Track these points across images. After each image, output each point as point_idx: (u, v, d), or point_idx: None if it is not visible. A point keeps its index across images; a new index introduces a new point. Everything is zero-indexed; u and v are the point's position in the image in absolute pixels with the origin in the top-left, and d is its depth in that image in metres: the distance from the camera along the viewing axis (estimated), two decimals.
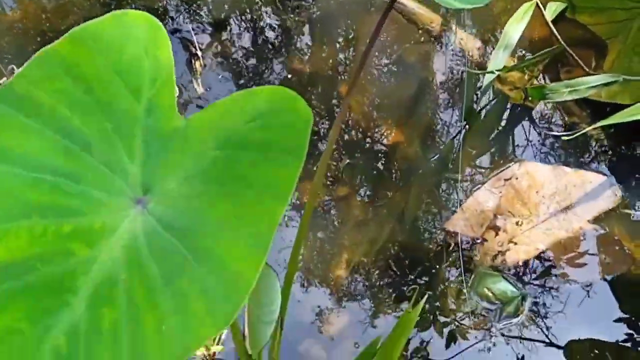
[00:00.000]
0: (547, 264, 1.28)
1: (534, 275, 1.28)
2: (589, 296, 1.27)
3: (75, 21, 1.59)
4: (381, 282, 1.27)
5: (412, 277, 1.26)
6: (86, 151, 0.54)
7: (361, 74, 1.10)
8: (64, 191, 0.52)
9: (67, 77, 0.54)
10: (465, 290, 1.22)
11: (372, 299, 1.25)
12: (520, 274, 1.27)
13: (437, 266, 1.27)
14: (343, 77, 1.53)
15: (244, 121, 0.54)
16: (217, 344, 1.15)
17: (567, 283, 1.27)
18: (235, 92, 0.56)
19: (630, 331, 1.23)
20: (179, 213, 0.54)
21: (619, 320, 1.23)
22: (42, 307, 0.51)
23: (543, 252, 1.28)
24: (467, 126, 1.44)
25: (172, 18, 1.60)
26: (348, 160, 1.39)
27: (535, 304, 1.24)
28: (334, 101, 1.50)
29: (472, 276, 1.24)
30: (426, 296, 0.92)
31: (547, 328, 1.22)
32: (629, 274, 1.28)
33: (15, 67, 1.38)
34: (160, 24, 0.58)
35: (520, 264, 1.27)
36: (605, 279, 1.28)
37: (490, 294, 1.21)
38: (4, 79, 1.40)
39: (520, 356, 1.19)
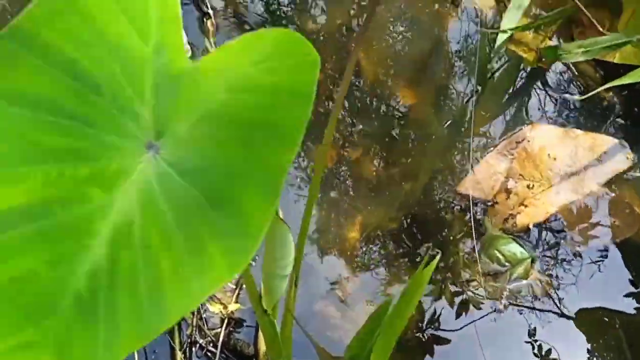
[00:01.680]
0: (557, 227, 1.28)
1: (544, 238, 1.27)
2: (599, 261, 1.27)
3: None
4: (394, 246, 1.27)
5: (424, 239, 1.26)
6: (96, 94, 0.53)
7: (369, 27, 1.08)
8: (78, 135, 0.52)
9: (74, 16, 0.53)
10: (476, 253, 1.22)
11: (385, 262, 1.25)
12: (531, 236, 1.27)
13: (449, 229, 1.27)
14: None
15: (252, 63, 0.54)
16: (235, 302, 1.17)
17: (577, 246, 1.26)
18: (243, 35, 0.55)
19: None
20: (190, 157, 0.53)
21: (629, 285, 1.24)
22: (62, 251, 0.50)
23: (554, 215, 1.28)
24: (479, 88, 1.43)
25: None
26: (360, 126, 1.39)
27: (545, 267, 1.24)
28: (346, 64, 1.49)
29: (483, 238, 1.24)
30: (439, 255, 0.92)
31: (557, 293, 1.22)
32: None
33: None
34: None
35: (531, 226, 1.27)
36: (615, 243, 1.28)
37: (500, 256, 1.21)
38: None
39: (530, 324, 1.19)
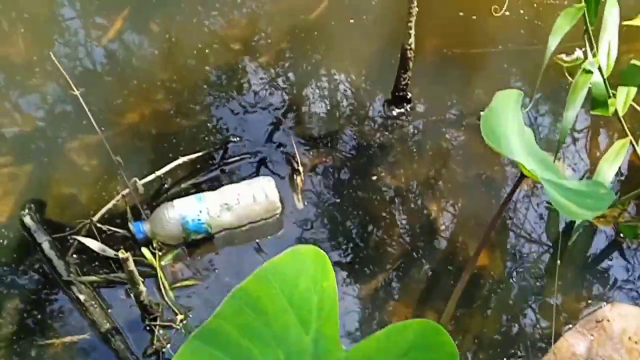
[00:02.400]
0: None
1: None
2: None
3: (191, 124, 1.72)
4: None
5: None
6: None
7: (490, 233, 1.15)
8: None
9: (250, 311, 0.62)
10: None
11: None
12: None
13: None
14: (435, 194, 1.59)
15: (396, 355, 0.61)
16: None
17: None
18: (389, 325, 0.63)
19: None
20: None
21: None
22: None
23: None
24: (558, 262, 1.46)
25: (275, 130, 1.71)
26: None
27: None
28: (423, 219, 1.56)
29: None
30: None
31: None
32: None
33: (137, 180, 1.49)
34: (326, 255, 0.66)
35: None
36: None
37: None
38: (127, 190, 1.51)
39: None
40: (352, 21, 1.94)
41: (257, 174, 1.62)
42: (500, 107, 1.01)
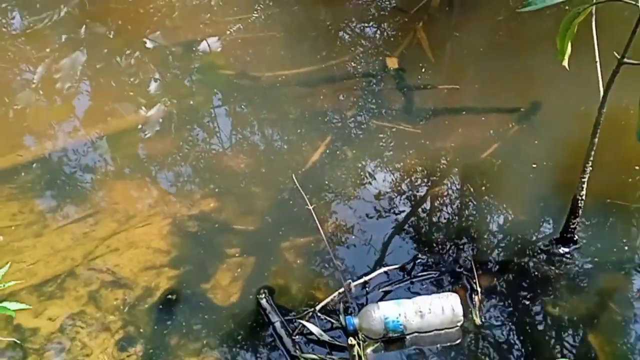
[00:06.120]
0: None
1: None
2: None
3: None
4: None
5: None
6: None
7: None
8: None
9: None
10: None
11: None
12: None
13: None
14: (595, 328, 1.89)
15: None
16: None
17: None
18: None
19: None
20: None
21: None
22: None
23: None
24: None
25: (456, 254, 2.08)
26: None
27: None
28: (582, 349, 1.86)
29: None
30: None
31: None
32: None
33: (352, 282, 1.89)
34: None
35: None
36: None
37: None
38: (342, 289, 1.91)
39: None
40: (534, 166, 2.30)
41: (438, 289, 1.99)
42: None
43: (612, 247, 2.08)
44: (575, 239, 2.06)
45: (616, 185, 2.26)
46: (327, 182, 2.34)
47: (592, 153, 1.88)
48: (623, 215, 2.16)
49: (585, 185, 1.94)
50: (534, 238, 2.13)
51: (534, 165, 2.32)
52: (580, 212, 1.99)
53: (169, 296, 2.00)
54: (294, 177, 1.86)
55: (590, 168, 1.91)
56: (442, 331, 1.89)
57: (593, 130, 1.83)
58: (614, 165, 2.30)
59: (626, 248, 2.07)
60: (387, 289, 2.00)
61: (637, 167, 2.28)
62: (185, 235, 2.18)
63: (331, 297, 1.92)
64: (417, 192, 2.31)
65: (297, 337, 1.89)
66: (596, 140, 1.85)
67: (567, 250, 2.07)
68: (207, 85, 2.86)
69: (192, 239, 2.18)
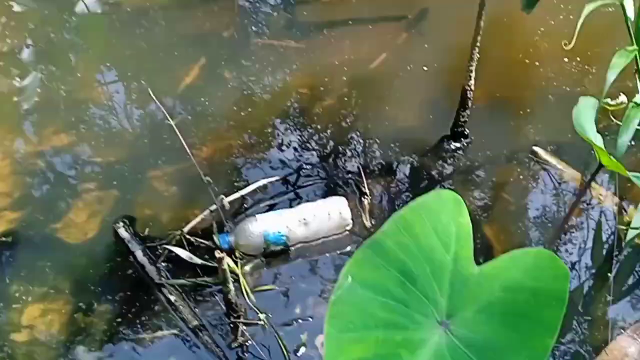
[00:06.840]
0: None
1: None
2: None
3: (267, 155, 1.91)
4: None
5: None
6: (413, 285, 0.78)
7: None
8: (398, 312, 0.76)
9: (405, 233, 0.79)
10: None
11: None
12: None
13: None
14: (490, 219, 1.75)
15: (519, 271, 0.78)
16: None
17: None
18: (513, 250, 0.80)
19: None
20: (472, 335, 0.76)
21: None
22: None
23: None
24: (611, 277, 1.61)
25: (344, 160, 1.90)
26: None
27: None
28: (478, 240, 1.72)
29: None
30: None
31: None
32: None
33: (224, 197, 1.67)
34: (462, 200, 0.83)
35: None
36: None
37: None
38: (214, 205, 1.68)
39: None
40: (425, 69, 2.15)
41: (327, 196, 1.80)
42: (583, 109, 1.22)
43: (504, 140, 1.96)
44: (466, 133, 1.91)
45: (506, 80, 2.14)
46: (203, 105, 2.09)
47: (479, 38, 1.74)
48: (513, 108, 2.05)
49: (473, 75, 1.79)
50: (427, 138, 1.97)
51: (425, 68, 2.16)
52: (469, 103, 1.84)
53: (3, 238, 1.72)
54: (150, 92, 1.60)
55: (478, 55, 1.76)
56: (330, 238, 1.71)
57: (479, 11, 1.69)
58: (503, 60, 2.17)
59: (517, 140, 1.96)
60: (268, 202, 1.79)
61: (526, 61, 2.16)
62: (30, 174, 1.89)
63: (201, 216, 1.69)
64: (304, 107, 2.10)
65: (164, 264, 1.65)
66: (482, 22, 1.70)
67: (458, 145, 1.92)
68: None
69: (40, 177, 1.89)
